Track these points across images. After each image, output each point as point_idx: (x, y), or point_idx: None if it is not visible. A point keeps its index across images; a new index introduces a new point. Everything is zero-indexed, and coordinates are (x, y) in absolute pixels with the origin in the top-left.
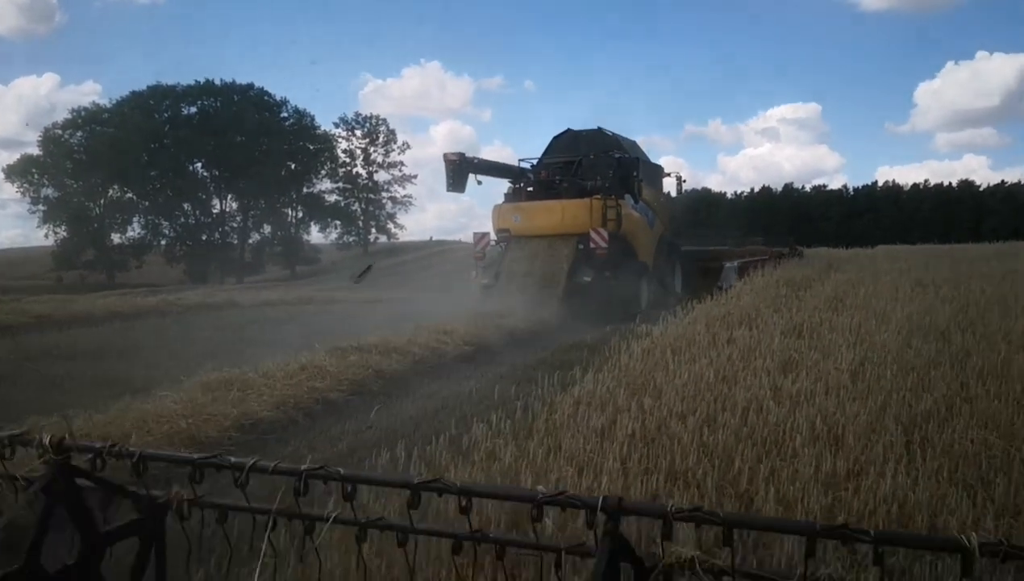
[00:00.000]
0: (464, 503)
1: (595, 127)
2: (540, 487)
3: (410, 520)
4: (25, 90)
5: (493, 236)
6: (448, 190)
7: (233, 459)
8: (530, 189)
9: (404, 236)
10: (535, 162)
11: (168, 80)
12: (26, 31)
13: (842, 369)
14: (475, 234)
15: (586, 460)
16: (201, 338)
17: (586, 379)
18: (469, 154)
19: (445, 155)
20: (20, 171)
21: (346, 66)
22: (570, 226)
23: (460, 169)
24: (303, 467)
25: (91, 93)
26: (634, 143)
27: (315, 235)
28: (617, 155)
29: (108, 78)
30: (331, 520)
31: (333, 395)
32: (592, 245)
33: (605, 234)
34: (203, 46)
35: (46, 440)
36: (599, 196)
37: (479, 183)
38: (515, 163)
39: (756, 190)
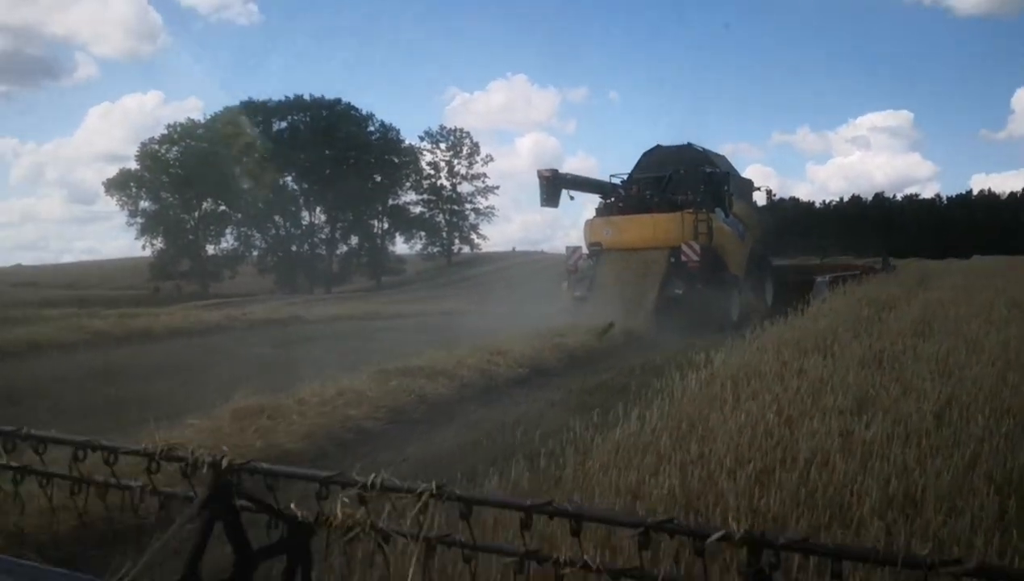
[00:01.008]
0: (575, 525)
1: (684, 142)
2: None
3: (523, 542)
4: (131, 107)
5: (585, 249)
6: (542, 205)
7: (358, 477)
8: (621, 204)
9: (486, 246)
10: (625, 177)
11: (263, 96)
12: (133, 51)
13: (925, 411)
14: (568, 248)
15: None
16: (253, 357)
17: (633, 415)
18: (559, 168)
19: (539, 172)
20: (119, 185)
21: (434, 81)
22: (662, 240)
23: (553, 185)
24: (424, 486)
25: (193, 109)
26: (723, 157)
27: (400, 246)
28: (708, 169)
29: (209, 95)
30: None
31: (369, 423)
32: (684, 258)
33: (697, 247)
34: (298, 63)
35: (210, 458)
36: (690, 210)
37: (571, 198)
38: (603, 177)
39: (845, 200)
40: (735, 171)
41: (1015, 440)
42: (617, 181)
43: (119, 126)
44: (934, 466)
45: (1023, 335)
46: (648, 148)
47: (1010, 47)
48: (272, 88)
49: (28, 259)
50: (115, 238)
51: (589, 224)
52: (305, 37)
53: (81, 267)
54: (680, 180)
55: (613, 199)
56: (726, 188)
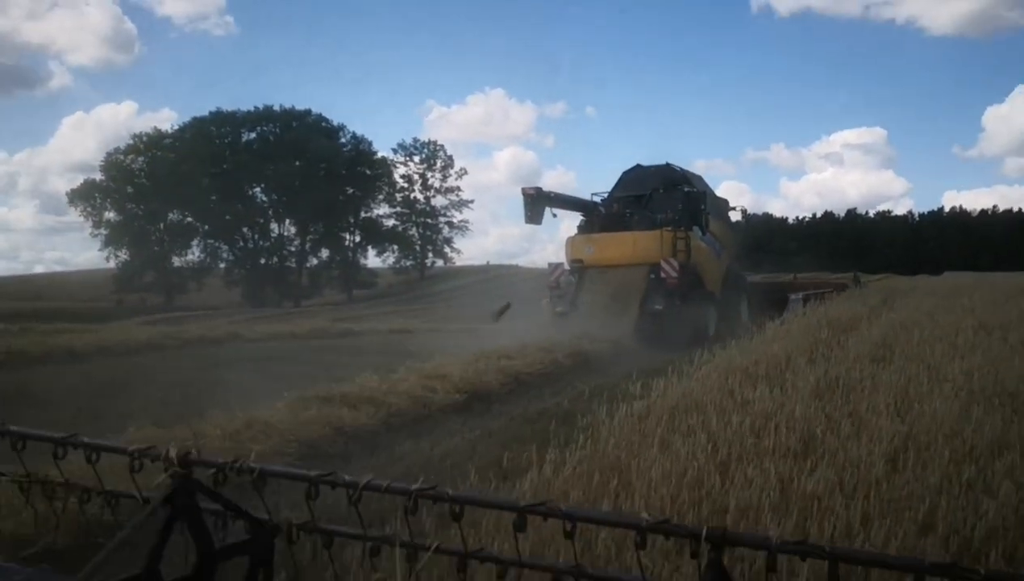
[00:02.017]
0: (569, 528)
1: (663, 162)
2: (644, 514)
3: (516, 542)
4: (105, 117)
5: (566, 266)
6: (526, 222)
7: (348, 477)
8: (602, 222)
9: (461, 260)
10: (605, 196)
11: (238, 107)
12: (108, 61)
13: (877, 454)
14: (550, 264)
15: None
16: (170, 382)
17: (549, 458)
18: (536, 183)
19: (524, 189)
20: (84, 195)
21: (413, 94)
22: (641, 257)
23: (537, 202)
24: (413, 487)
25: (167, 120)
26: (700, 177)
27: (372, 259)
28: (686, 189)
29: (184, 106)
30: (432, 548)
31: (274, 461)
32: (663, 275)
33: (676, 264)
34: (275, 75)
35: (172, 454)
36: (669, 228)
37: (554, 216)
38: (581, 191)
39: (819, 216)
40: (711, 190)
41: (977, 491)
42: (598, 199)
43: (93, 136)
44: (882, 528)
45: (991, 362)
46: (627, 166)
47: (982, 66)
48: (249, 100)
49: None
50: (87, 249)
51: (571, 241)
52: (282, 49)
53: (50, 278)
54: (659, 199)
55: (594, 217)
56: (703, 207)
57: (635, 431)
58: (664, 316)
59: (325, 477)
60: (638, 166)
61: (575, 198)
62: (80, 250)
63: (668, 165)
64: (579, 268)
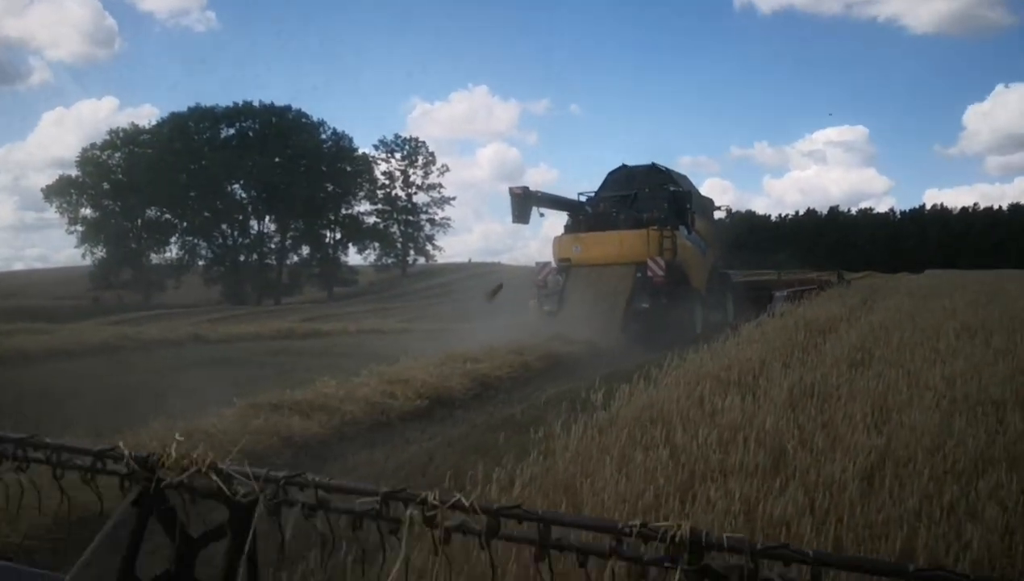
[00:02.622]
0: (543, 529)
1: (649, 162)
2: (620, 522)
3: (488, 548)
4: (86, 113)
5: (554, 265)
6: (514, 221)
7: (317, 478)
8: (589, 222)
9: (443, 258)
10: (591, 195)
11: (221, 102)
12: (88, 56)
13: (851, 474)
14: (538, 263)
15: None
16: (117, 387)
17: (496, 477)
18: (520, 180)
19: (511, 189)
20: (59, 191)
21: (396, 91)
22: (628, 256)
23: (524, 202)
24: (383, 490)
25: (149, 116)
26: (685, 177)
27: (353, 257)
28: (672, 188)
29: (165, 101)
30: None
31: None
32: (650, 273)
33: (662, 263)
34: (257, 70)
35: (128, 454)
36: (655, 227)
37: (541, 215)
38: (564, 188)
39: (801, 213)
40: (696, 190)
41: (960, 515)
42: (584, 198)
43: (73, 132)
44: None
45: (973, 368)
46: (610, 164)
47: (962, 65)
48: (231, 95)
49: None
50: (68, 246)
51: (558, 240)
52: (264, 45)
53: (28, 275)
54: (645, 198)
55: (581, 217)
56: (689, 206)
57: (594, 445)
58: (651, 314)
59: (293, 478)
60: (624, 166)
61: (562, 198)
62: (61, 247)
63: (654, 165)
64: (567, 267)
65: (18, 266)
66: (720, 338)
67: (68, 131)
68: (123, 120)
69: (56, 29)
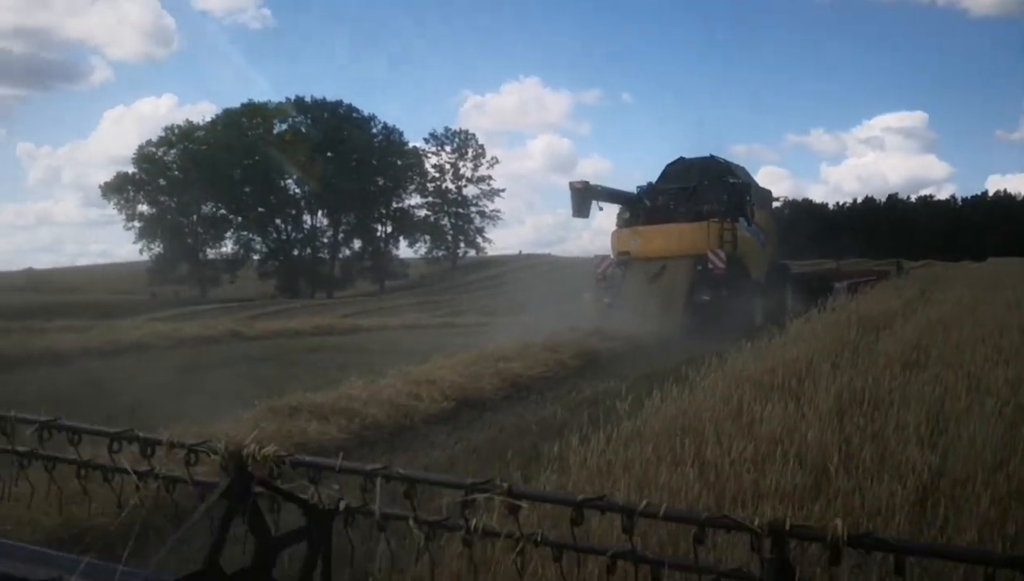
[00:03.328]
0: (627, 522)
1: (707, 154)
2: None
3: (573, 536)
4: (146, 110)
5: (613, 258)
6: (574, 215)
7: (402, 471)
8: (647, 214)
9: (493, 250)
10: (645, 186)
11: (280, 97)
12: (147, 54)
13: (900, 499)
14: (597, 256)
15: None
16: (139, 389)
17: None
18: (572, 171)
19: (571, 183)
20: (116, 188)
21: (447, 84)
22: (688, 248)
23: (585, 196)
24: (468, 480)
25: (207, 112)
26: (743, 168)
27: (404, 250)
28: (731, 180)
29: (222, 98)
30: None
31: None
32: (711, 266)
33: (723, 255)
34: (312, 66)
35: (223, 448)
36: (715, 219)
37: (600, 209)
38: (617, 179)
39: (859, 201)
40: (755, 181)
41: None
42: (642, 188)
43: (134, 129)
44: None
45: None
46: (662, 153)
47: None
48: (286, 91)
49: (44, 262)
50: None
51: (617, 234)
52: (318, 41)
53: (92, 271)
54: (704, 191)
55: (639, 210)
56: (748, 198)
57: (617, 460)
58: (711, 307)
59: (380, 470)
60: (681, 158)
61: (620, 191)
62: (122, 242)
63: (712, 157)
64: (626, 260)
65: (82, 261)
66: (765, 336)
67: (129, 129)
68: (182, 117)
69: (116, 29)
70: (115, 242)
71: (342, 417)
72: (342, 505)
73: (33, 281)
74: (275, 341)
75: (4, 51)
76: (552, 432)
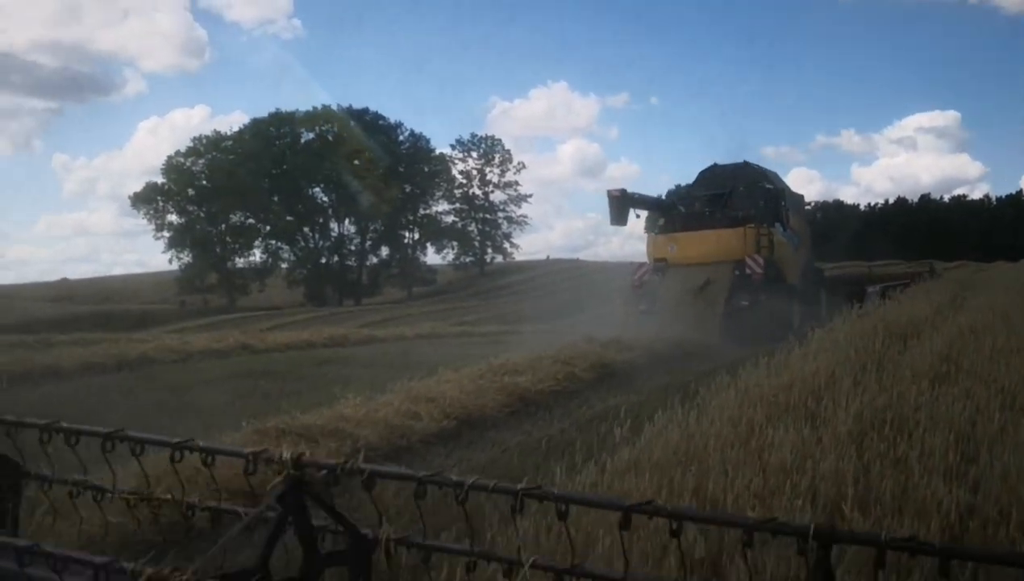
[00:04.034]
0: (675, 526)
1: (740, 160)
2: (750, 513)
3: (620, 539)
4: (179, 121)
5: (649, 265)
6: (612, 224)
7: (454, 477)
8: (683, 221)
9: (522, 255)
10: (674, 189)
11: (309, 106)
12: (180, 66)
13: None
14: (634, 264)
15: None
16: (135, 407)
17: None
18: (601, 175)
19: (609, 192)
20: (146, 198)
21: (475, 90)
22: (724, 254)
23: (622, 204)
24: (519, 487)
25: (238, 123)
26: (777, 174)
27: (431, 256)
28: (766, 186)
29: (254, 108)
30: (528, 564)
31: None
32: (748, 271)
33: (761, 260)
34: (342, 75)
35: (285, 456)
36: (752, 225)
37: (637, 217)
38: (646, 182)
39: (891, 201)
40: (788, 186)
41: None
42: (668, 193)
43: (167, 140)
44: None
45: None
46: (692, 155)
47: None
48: (316, 100)
49: (80, 272)
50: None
51: (653, 240)
52: (348, 50)
53: (126, 280)
54: (739, 197)
55: (675, 216)
56: (783, 203)
57: (611, 492)
58: (750, 311)
59: (432, 477)
60: (715, 165)
61: (656, 199)
62: (156, 252)
63: (746, 163)
64: (663, 266)
65: (117, 270)
66: (783, 349)
67: (163, 139)
68: (214, 127)
69: (149, 41)
70: (150, 252)
71: (333, 439)
72: (384, 534)
73: (67, 291)
74: (285, 354)
75: (40, 65)
76: (557, 452)
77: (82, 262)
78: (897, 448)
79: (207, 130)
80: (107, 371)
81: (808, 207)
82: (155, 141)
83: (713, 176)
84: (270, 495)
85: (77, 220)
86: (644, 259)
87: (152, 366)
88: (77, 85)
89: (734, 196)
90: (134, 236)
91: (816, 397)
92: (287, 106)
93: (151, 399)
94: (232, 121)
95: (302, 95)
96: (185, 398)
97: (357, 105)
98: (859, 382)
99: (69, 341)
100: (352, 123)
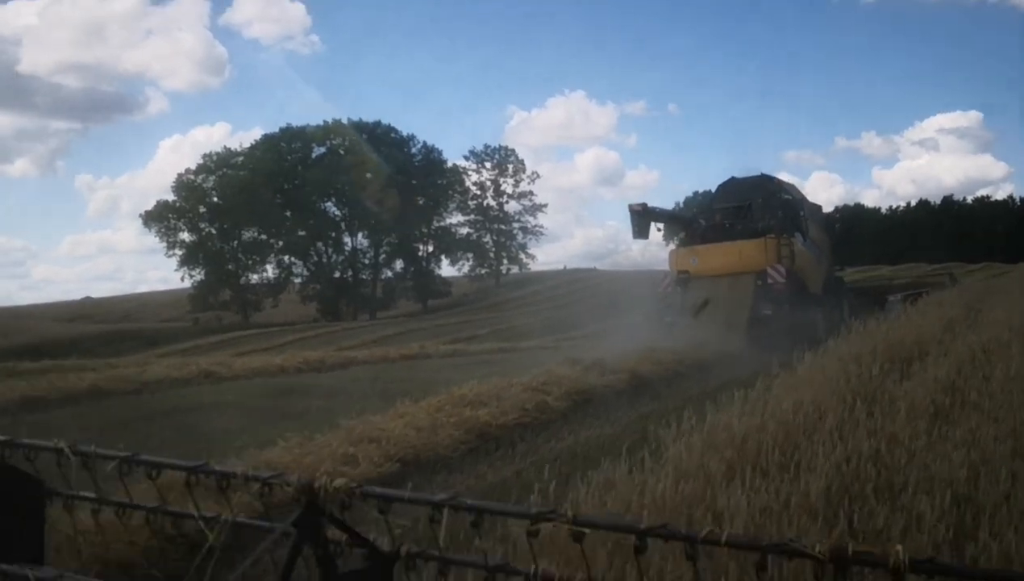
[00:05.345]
0: (691, 550)
1: (758, 173)
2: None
3: (637, 564)
4: (200, 139)
5: (672, 277)
6: (634, 237)
7: (470, 501)
8: (704, 233)
9: (540, 265)
10: (691, 195)
11: (308, 121)
12: (201, 84)
13: None
14: (655, 273)
15: None
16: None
17: None
18: (619, 183)
19: (631, 206)
20: (157, 216)
21: (493, 101)
22: (747, 265)
23: (644, 218)
24: (534, 510)
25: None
26: (794, 186)
27: (446, 268)
28: (785, 197)
29: (274, 124)
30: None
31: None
32: (771, 281)
33: (783, 270)
34: (362, 89)
35: (299, 481)
36: (773, 236)
37: (659, 230)
38: (665, 190)
39: (913, 204)
40: (805, 197)
41: None
42: (692, 198)
43: (189, 158)
44: None
45: None
46: (710, 162)
47: None
48: (335, 115)
49: (104, 290)
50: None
51: (675, 254)
52: (366, 64)
53: (148, 298)
54: (759, 208)
55: (695, 229)
56: (802, 213)
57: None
58: (773, 321)
59: (448, 501)
60: (733, 178)
61: (676, 213)
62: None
63: (763, 175)
64: (685, 279)
65: (142, 288)
66: (760, 382)
67: (185, 157)
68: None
69: (170, 60)
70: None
71: (247, 493)
72: (404, 550)
73: (88, 310)
74: (248, 382)
75: (64, 86)
76: (512, 497)
77: (106, 280)
78: (877, 518)
79: (231, 147)
80: (50, 406)
81: (829, 214)
82: (178, 159)
83: (732, 189)
84: (286, 520)
85: (101, 239)
86: (665, 268)
87: (99, 400)
88: (100, 105)
89: (753, 208)
90: (158, 253)
91: (792, 443)
92: (307, 121)
93: (86, 439)
94: (252, 137)
95: (320, 110)
96: (121, 437)
97: (372, 119)
98: (844, 422)
99: (38, 369)
100: (363, 136)
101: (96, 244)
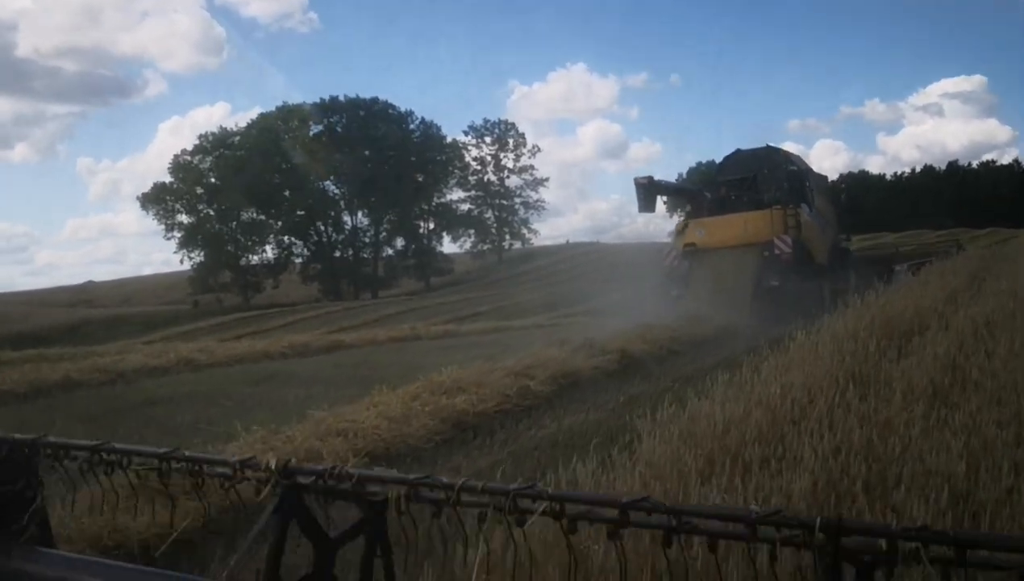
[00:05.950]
0: (675, 523)
1: (763, 145)
2: (754, 506)
3: (619, 537)
4: (200, 120)
5: (678, 250)
6: (640, 211)
7: (445, 479)
8: (710, 206)
9: (541, 240)
10: (694, 165)
11: (305, 98)
12: (199, 65)
13: None
14: (658, 245)
15: None
16: None
17: None
18: (623, 155)
19: (636, 180)
20: (154, 199)
21: (494, 76)
22: (753, 236)
23: (650, 192)
24: (512, 487)
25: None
26: (799, 156)
27: (448, 245)
28: (790, 168)
29: (273, 103)
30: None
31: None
32: (777, 251)
33: (789, 241)
34: (361, 66)
35: (273, 464)
36: (779, 207)
37: (664, 203)
38: (668, 161)
39: (918, 170)
40: (811, 168)
41: None
42: (696, 168)
43: (189, 139)
44: None
45: None
46: (713, 133)
47: None
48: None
49: (106, 274)
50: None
51: (681, 227)
52: (366, 41)
53: (151, 281)
54: (764, 180)
55: (701, 202)
56: (808, 184)
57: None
58: (780, 291)
59: (423, 480)
60: (738, 150)
61: (682, 185)
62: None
63: (768, 146)
64: (691, 252)
65: (146, 271)
66: (749, 364)
67: (185, 138)
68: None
69: (167, 42)
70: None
71: (192, 498)
72: (394, 493)
73: (89, 294)
74: (228, 370)
75: (61, 70)
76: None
77: (108, 264)
78: (867, 512)
79: (227, 127)
80: (13, 400)
81: (834, 183)
82: (178, 140)
83: (737, 161)
84: (266, 508)
85: (103, 222)
86: (668, 240)
87: (70, 392)
88: (99, 89)
89: (759, 180)
90: (159, 235)
91: (779, 433)
92: (304, 100)
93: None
94: (252, 117)
95: (319, 88)
96: (81, 433)
97: (370, 96)
98: (837, 406)
99: (18, 359)
100: (361, 113)
101: (98, 227)
